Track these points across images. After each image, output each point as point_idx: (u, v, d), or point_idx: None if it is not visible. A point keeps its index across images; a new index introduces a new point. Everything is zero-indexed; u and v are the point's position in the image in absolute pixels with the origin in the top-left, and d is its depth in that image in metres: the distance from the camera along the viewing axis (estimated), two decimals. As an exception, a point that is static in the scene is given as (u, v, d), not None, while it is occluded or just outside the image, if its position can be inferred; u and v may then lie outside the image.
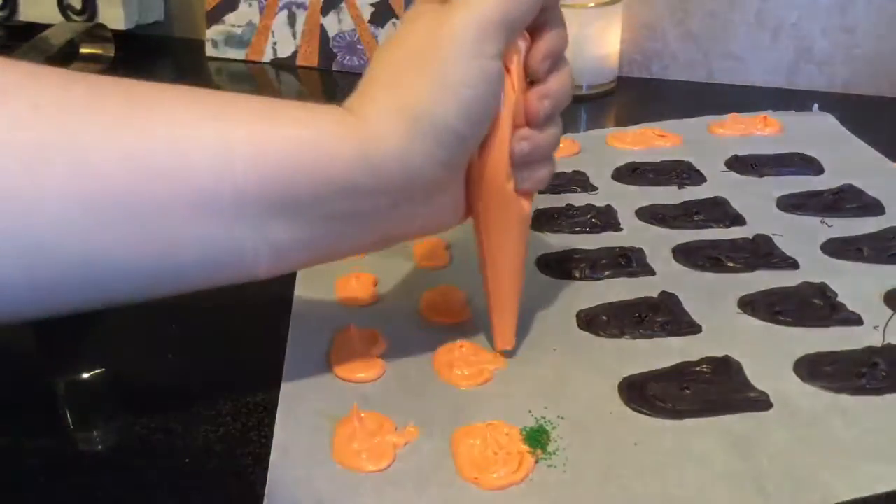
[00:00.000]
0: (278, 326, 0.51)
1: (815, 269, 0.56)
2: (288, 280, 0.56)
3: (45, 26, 1.09)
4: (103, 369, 0.52)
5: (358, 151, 0.37)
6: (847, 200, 0.64)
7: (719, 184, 0.69)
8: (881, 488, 0.39)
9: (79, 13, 1.10)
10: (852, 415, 0.44)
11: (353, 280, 0.56)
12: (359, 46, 1.00)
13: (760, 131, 0.78)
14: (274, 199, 0.37)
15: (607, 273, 0.56)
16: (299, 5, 1.02)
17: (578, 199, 0.66)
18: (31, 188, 0.33)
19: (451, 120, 0.38)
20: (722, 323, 0.51)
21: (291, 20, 1.03)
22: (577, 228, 0.62)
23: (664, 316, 0.51)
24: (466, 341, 0.49)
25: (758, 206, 0.65)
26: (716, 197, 0.66)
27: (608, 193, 0.68)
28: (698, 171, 0.71)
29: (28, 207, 0.33)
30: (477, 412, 0.44)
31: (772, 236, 0.60)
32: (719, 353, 0.48)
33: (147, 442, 0.44)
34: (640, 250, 0.59)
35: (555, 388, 0.46)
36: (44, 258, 0.34)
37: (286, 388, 0.46)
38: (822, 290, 0.53)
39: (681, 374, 0.46)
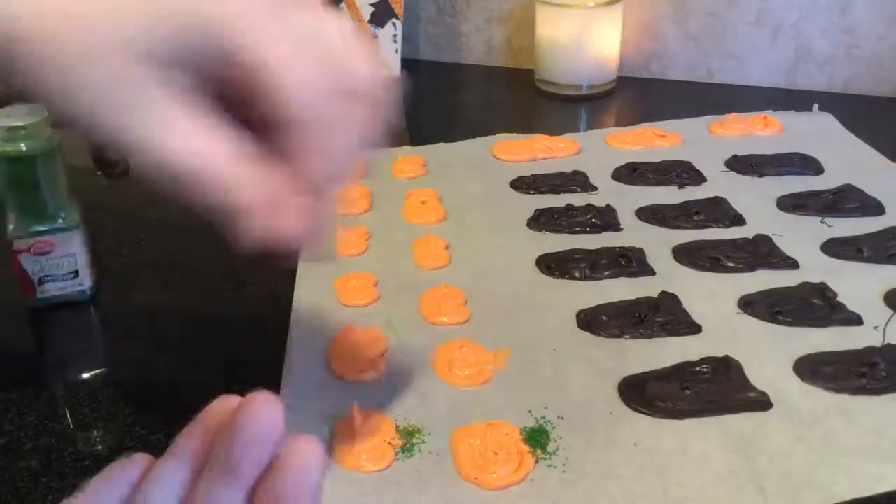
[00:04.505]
0: (278, 326, 0.51)
1: (815, 269, 0.56)
2: (288, 280, 0.56)
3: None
4: (103, 369, 0.52)
5: None
6: (847, 200, 0.64)
7: (719, 184, 0.69)
8: (881, 488, 0.39)
9: (79, 13, 1.10)
10: (852, 415, 0.44)
11: (353, 280, 0.55)
12: (359, 46, 1.00)
13: (760, 131, 0.78)
14: None
15: (607, 273, 0.56)
16: (299, 5, 1.02)
17: (578, 199, 0.66)
18: None
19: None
20: (722, 323, 0.51)
21: (291, 20, 1.03)
22: (577, 228, 0.62)
23: (664, 316, 0.51)
24: (466, 341, 0.49)
25: (758, 206, 0.65)
26: (716, 197, 0.66)
27: (608, 193, 0.68)
28: (698, 171, 0.71)
29: None
30: (477, 412, 0.44)
31: (772, 236, 0.60)
32: (719, 353, 0.48)
33: (147, 442, 0.44)
34: (640, 250, 0.59)
35: (555, 388, 0.46)
36: None
37: (286, 388, 0.46)
38: (822, 290, 0.53)
39: (681, 374, 0.46)
